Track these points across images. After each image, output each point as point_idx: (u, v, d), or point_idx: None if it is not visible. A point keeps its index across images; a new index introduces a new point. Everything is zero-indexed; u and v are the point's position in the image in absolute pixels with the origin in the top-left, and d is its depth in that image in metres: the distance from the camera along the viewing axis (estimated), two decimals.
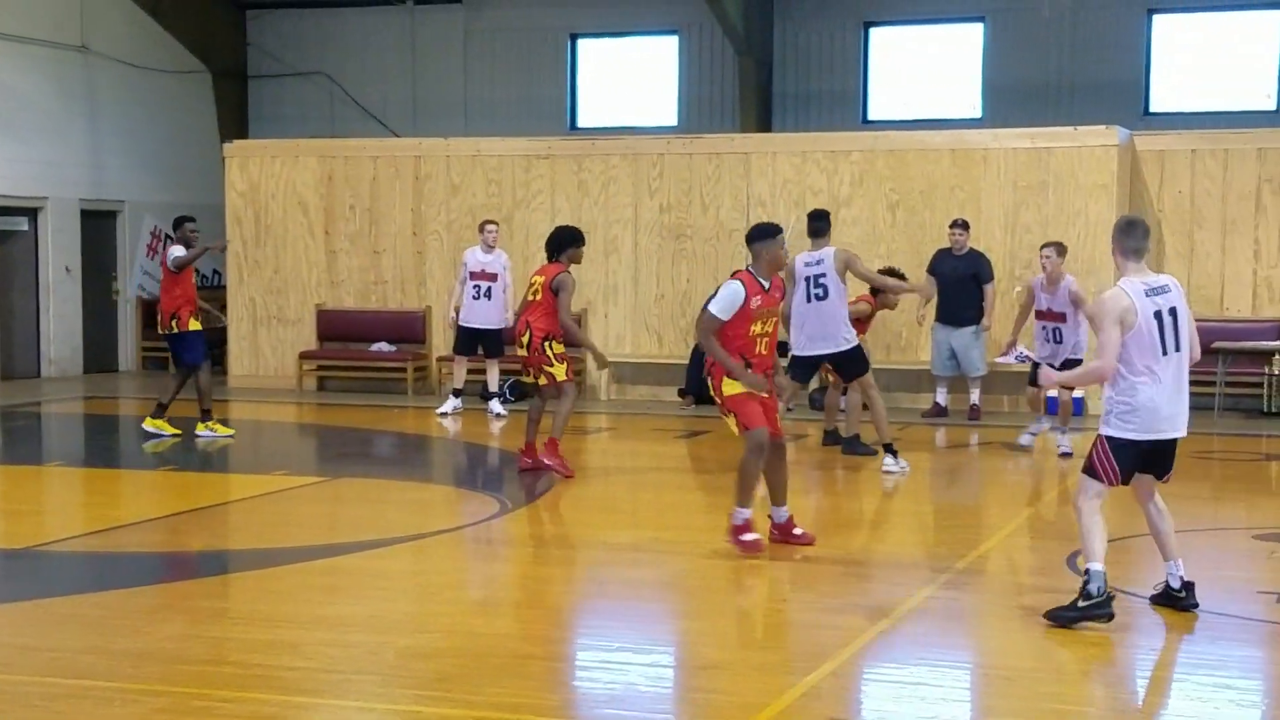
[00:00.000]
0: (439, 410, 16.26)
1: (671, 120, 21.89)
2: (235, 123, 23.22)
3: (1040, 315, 13.25)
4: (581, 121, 22.50)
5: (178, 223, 14.54)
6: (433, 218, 18.87)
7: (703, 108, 21.77)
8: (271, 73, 23.54)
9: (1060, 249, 13.41)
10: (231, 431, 14.61)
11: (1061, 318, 13.07)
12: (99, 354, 21.47)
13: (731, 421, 9.10)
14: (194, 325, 14.18)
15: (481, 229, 16.68)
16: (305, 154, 19.44)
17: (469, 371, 16.66)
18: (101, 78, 21.39)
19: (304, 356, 19.01)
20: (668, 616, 8.10)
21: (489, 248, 16.53)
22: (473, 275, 16.37)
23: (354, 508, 11.08)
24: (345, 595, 8.24)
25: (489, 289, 16.38)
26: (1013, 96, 20.44)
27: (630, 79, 22.47)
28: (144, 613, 7.81)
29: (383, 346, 19.00)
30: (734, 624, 7.56)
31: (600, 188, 18.25)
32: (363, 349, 19.01)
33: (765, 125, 21.24)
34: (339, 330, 19.15)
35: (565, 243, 11.99)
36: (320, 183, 19.19)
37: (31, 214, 20.42)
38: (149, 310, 21.92)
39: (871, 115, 21.38)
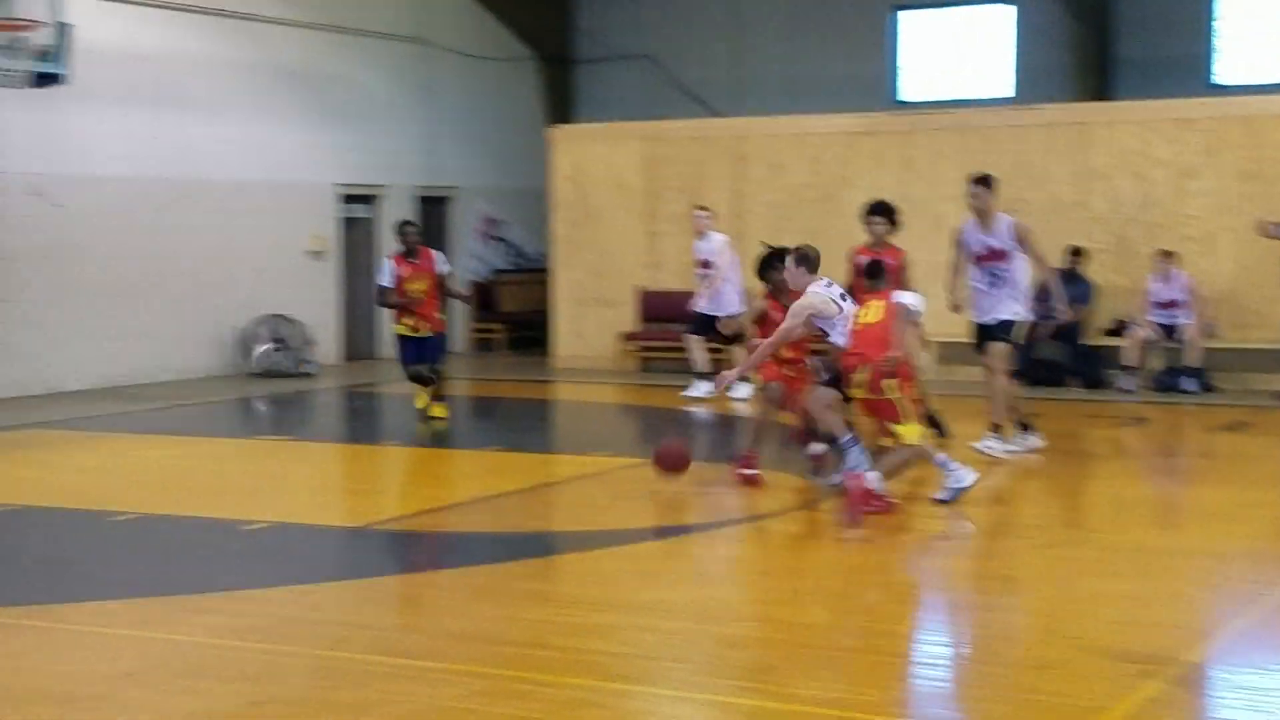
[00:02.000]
0: (688, 393, 16.05)
1: (1006, 92, 21.13)
2: (561, 107, 23.61)
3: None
4: (905, 96, 21.96)
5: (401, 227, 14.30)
6: (754, 198, 18.73)
7: (1038, 77, 20.91)
8: (597, 57, 23.83)
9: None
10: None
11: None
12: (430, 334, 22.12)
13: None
14: (399, 329, 14.12)
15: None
16: (628, 137, 19.58)
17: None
18: (436, 67, 22.05)
19: (626, 338, 19.17)
20: (998, 609, 7.72)
21: (700, 234, 16.37)
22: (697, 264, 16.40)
23: (676, 490, 11.03)
24: (664, 581, 8.16)
25: (707, 276, 16.31)
26: None
27: (958, 50, 21.80)
28: (468, 593, 7.90)
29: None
30: (1071, 620, 7.13)
31: (927, 163, 17.76)
32: (684, 330, 19.00)
33: (1103, 93, 20.27)
34: (660, 311, 19.23)
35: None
36: (643, 165, 19.30)
37: (371, 201, 21.23)
38: (479, 292, 22.55)
39: (1221, 80, 20.13)
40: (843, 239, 18.00)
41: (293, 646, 6.86)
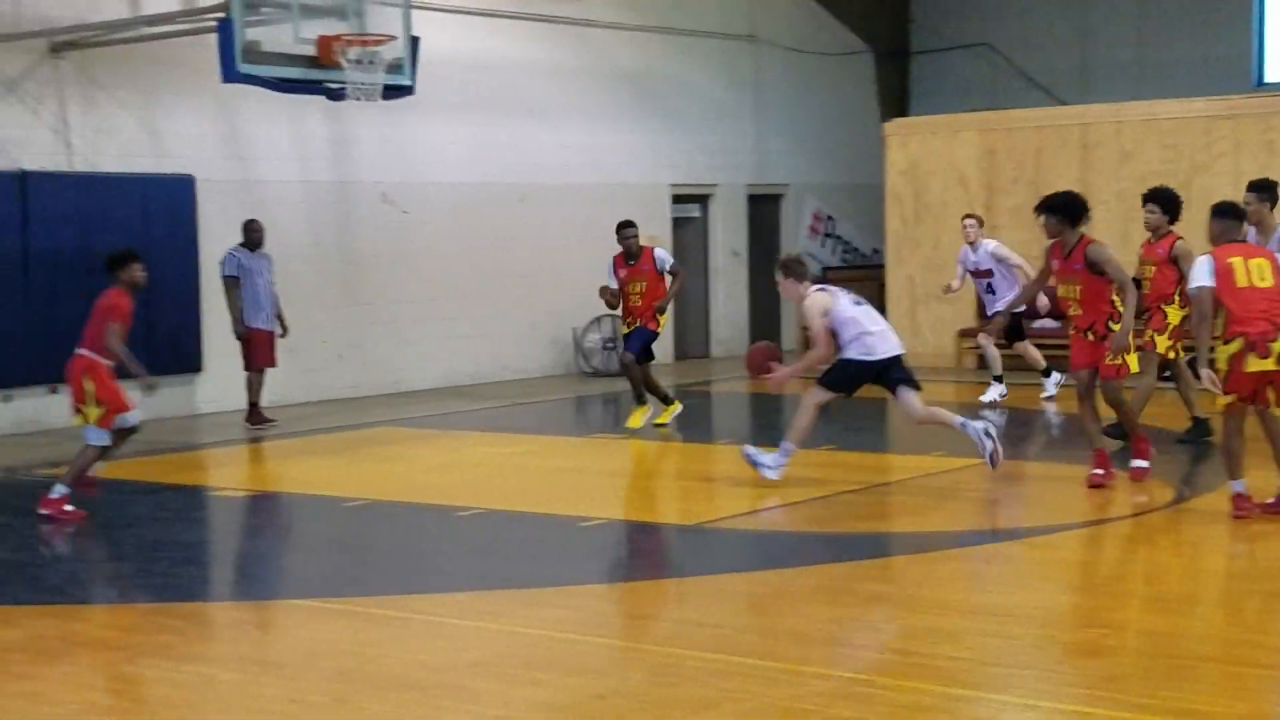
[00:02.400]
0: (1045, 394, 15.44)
1: None
2: (896, 101, 23.30)
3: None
4: (1270, 77, 20.75)
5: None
6: (1101, 187, 18.03)
7: None
8: (934, 48, 23.40)
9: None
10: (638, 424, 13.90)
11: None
12: (764, 335, 22.16)
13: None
14: (623, 329, 14.41)
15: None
16: (965, 128, 19.15)
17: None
18: (768, 65, 22.06)
19: (963, 334, 18.74)
20: None
21: (970, 244, 15.59)
22: (972, 274, 15.57)
23: (1014, 492, 10.69)
24: (1007, 584, 7.91)
25: (989, 284, 15.53)
26: None
27: None
28: (805, 593, 7.82)
29: (1046, 323, 18.36)
30: None
31: None
32: (1026, 325, 18.45)
33: None
34: None
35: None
36: (981, 157, 18.84)
37: (702, 201, 21.40)
38: None
39: None
40: (1198, 229, 17.15)
41: (632, 642, 6.93)
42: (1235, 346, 8.71)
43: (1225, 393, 8.74)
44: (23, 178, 14.47)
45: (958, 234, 18.90)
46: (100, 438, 10.04)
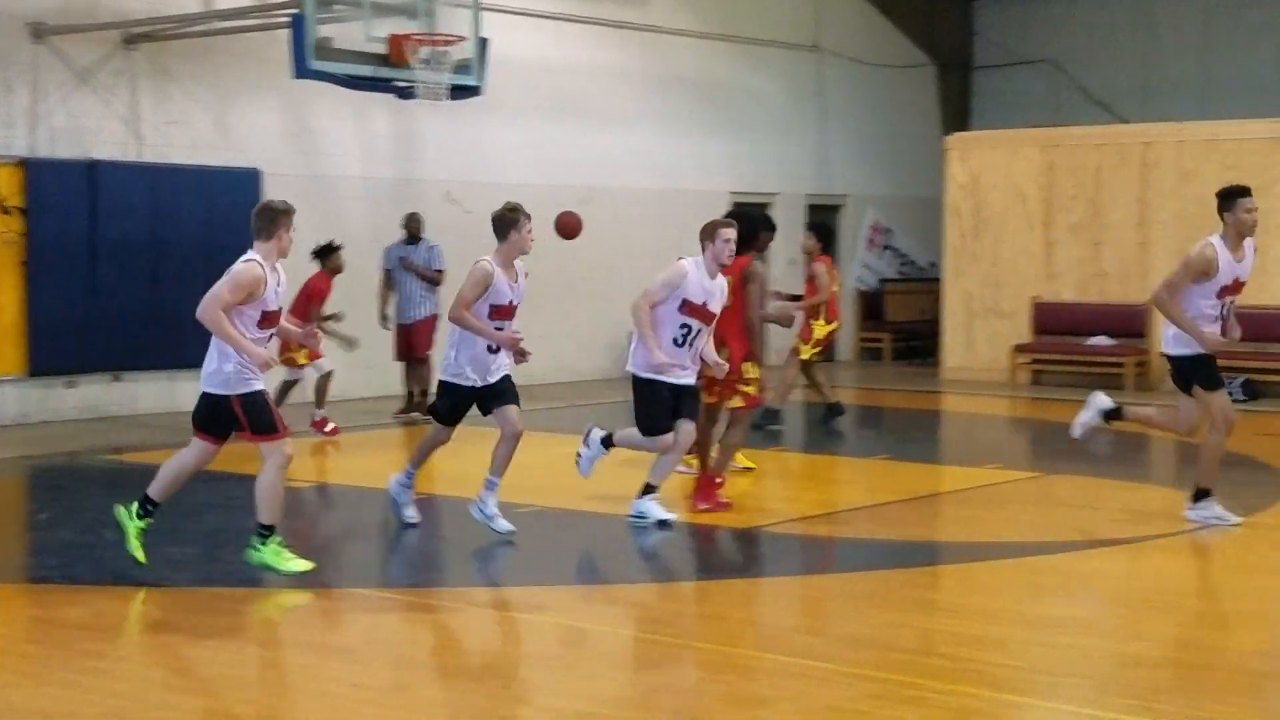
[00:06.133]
0: None
1: None
2: (957, 115, 23.33)
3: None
4: None
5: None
6: (1160, 207, 18.02)
7: None
8: (996, 62, 23.41)
9: None
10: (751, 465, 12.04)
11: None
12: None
13: None
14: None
15: None
16: (1026, 144, 19.17)
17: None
18: (831, 75, 22.14)
19: (1018, 349, 18.76)
20: None
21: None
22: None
23: (1067, 505, 10.74)
24: (1056, 595, 7.98)
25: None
26: None
27: None
28: (858, 598, 7.92)
29: (1101, 340, 18.38)
30: None
31: None
32: (1079, 343, 18.49)
33: None
34: (1055, 323, 18.74)
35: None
36: (1041, 173, 18.85)
37: (763, 209, 21.45)
38: (867, 301, 22.50)
39: None
40: (1259, 250, 17.11)
41: (688, 639, 7.05)
42: None
43: None
44: (92, 167, 14.74)
45: (1016, 249, 18.96)
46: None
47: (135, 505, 8.06)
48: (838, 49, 22.12)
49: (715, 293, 9.48)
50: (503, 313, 9.05)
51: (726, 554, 9.35)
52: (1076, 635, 7.07)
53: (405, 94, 14.54)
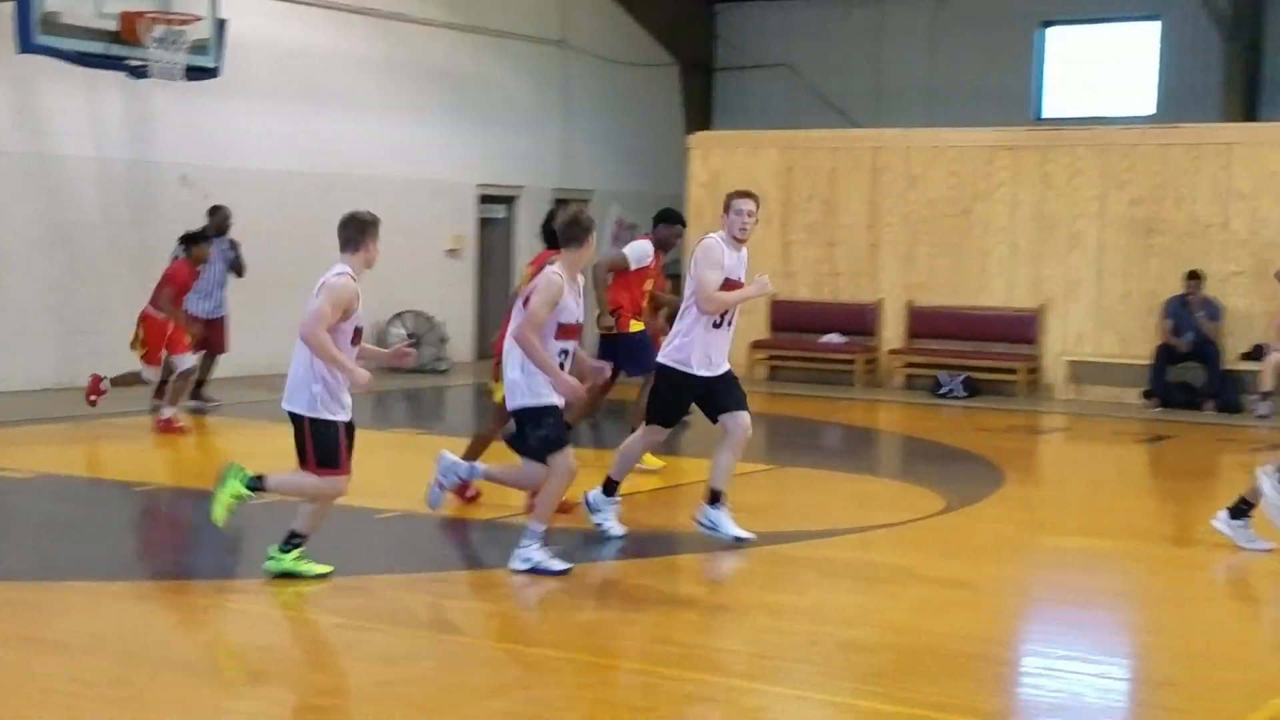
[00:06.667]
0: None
1: (1148, 109, 20.84)
2: (699, 114, 23.75)
3: None
4: (1047, 112, 21.77)
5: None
6: (889, 209, 18.69)
7: (1182, 95, 20.59)
8: (737, 64, 23.92)
9: None
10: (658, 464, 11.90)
11: None
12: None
13: None
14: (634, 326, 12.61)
15: None
16: (765, 145, 19.65)
17: None
18: (577, 71, 22.31)
19: (755, 346, 19.23)
20: (1119, 626, 7.69)
21: None
22: None
23: (799, 496, 11.09)
24: (786, 584, 8.23)
25: None
26: None
27: (1103, 66, 21.56)
28: (594, 588, 8.04)
29: (834, 338, 18.99)
30: (1195, 639, 7.08)
31: (1065, 180, 17.60)
32: (814, 340, 19.06)
33: (1251, 114, 19.91)
34: (791, 320, 19.26)
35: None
36: (779, 173, 19.35)
37: (508, 202, 21.53)
38: None
39: None
40: (978, 253, 17.99)
41: (422, 630, 7.05)
42: None
43: None
44: None
45: (755, 248, 19.36)
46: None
47: (249, 475, 7.75)
48: (584, 45, 22.30)
49: (738, 266, 8.97)
50: (569, 332, 8.04)
51: (463, 544, 9.37)
52: (804, 622, 7.32)
53: (138, 73, 14.13)
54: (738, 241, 8.99)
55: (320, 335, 7.30)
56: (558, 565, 7.89)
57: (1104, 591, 8.27)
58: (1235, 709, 6.03)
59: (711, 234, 9.03)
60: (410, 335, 19.08)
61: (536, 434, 7.87)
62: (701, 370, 8.77)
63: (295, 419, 7.54)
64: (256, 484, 7.72)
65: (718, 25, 24.32)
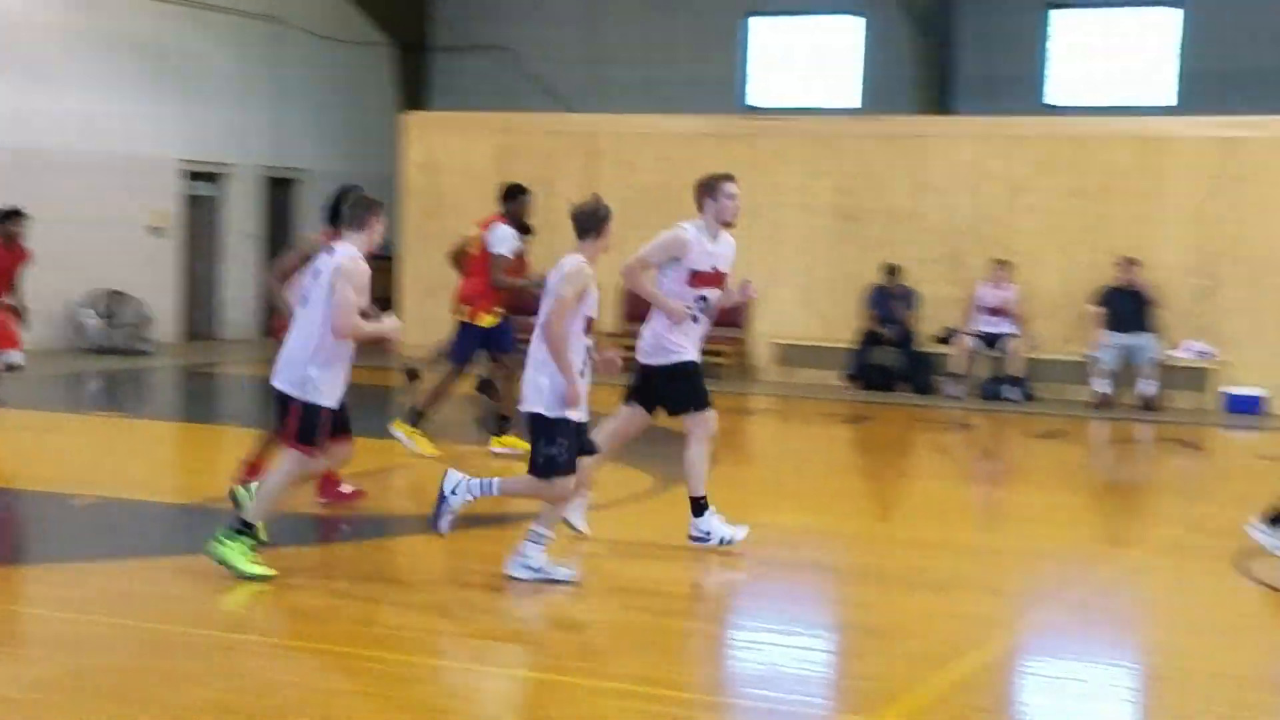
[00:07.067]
0: None
1: (852, 102, 21.59)
2: (415, 95, 23.57)
3: None
4: (756, 102, 22.34)
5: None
6: (605, 194, 18.78)
7: (881, 89, 21.41)
8: (452, 45, 23.81)
9: None
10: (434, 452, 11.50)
11: None
12: (275, 317, 22.01)
13: None
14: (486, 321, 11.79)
15: None
16: (481, 128, 19.64)
17: None
18: (287, 47, 21.87)
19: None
20: (820, 601, 8.00)
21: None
22: None
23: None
24: (496, 563, 8.26)
25: None
26: (1209, 84, 19.56)
27: (807, 59, 22.24)
28: (298, 571, 7.90)
29: None
30: (886, 610, 7.43)
31: (771, 168, 18.12)
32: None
33: (944, 108, 20.85)
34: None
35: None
36: (495, 156, 19.36)
37: (216, 179, 20.99)
38: None
39: (1053, 100, 20.83)
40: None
41: (119, 618, 6.85)
42: None
43: None
44: None
45: (474, 230, 19.35)
46: None
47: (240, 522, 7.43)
48: (294, 20, 21.87)
49: (722, 254, 8.49)
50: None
51: (164, 530, 9.14)
52: (514, 601, 7.39)
53: None
54: (726, 227, 8.53)
55: (355, 323, 7.35)
56: (562, 573, 7.54)
57: (807, 567, 8.57)
58: (922, 673, 6.36)
59: (684, 223, 8.48)
60: (108, 316, 18.43)
61: (545, 451, 7.42)
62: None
63: (280, 396, 7.49)
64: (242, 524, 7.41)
65: (433, 5, 24.17)
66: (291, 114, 22.00)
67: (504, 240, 11.46)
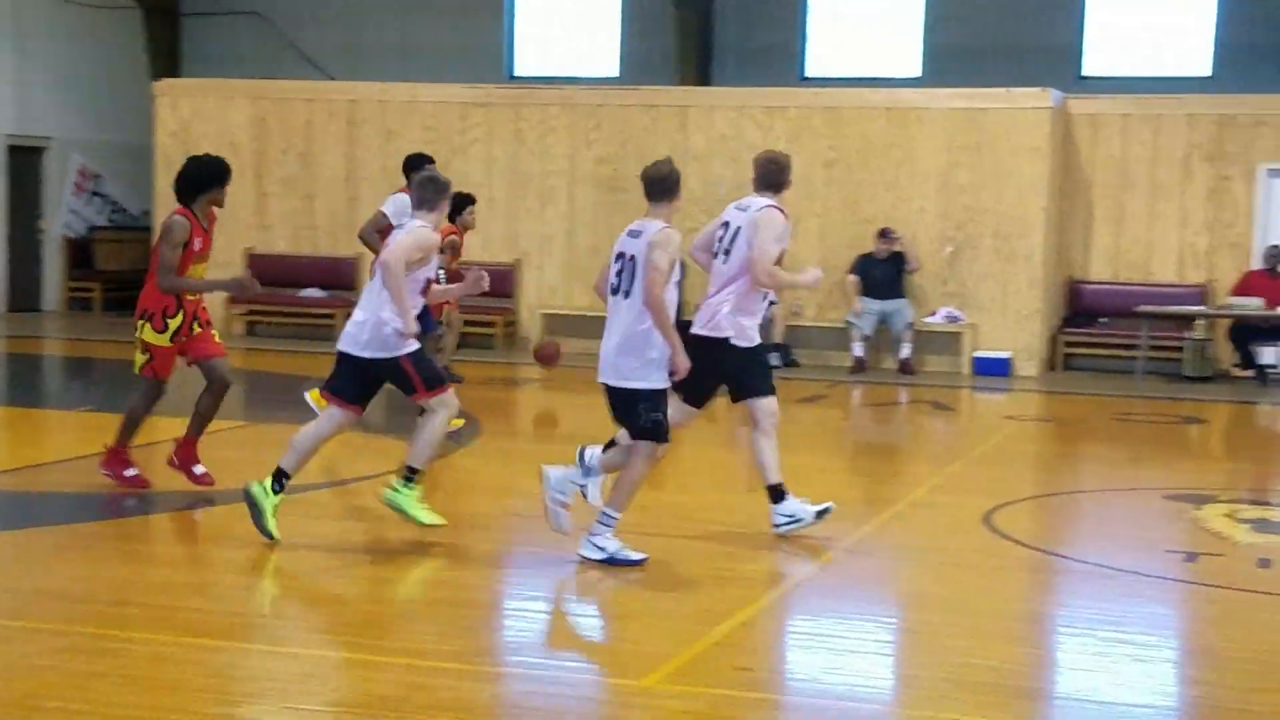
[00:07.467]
0: None
1: (612, 71, 21.70)
2: (167, 61, 22.84)
3: None
4: (520, 70, 22.29)
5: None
6: (367, 163, 18.69)
7: (643, 60, 21.58)
8: (204, 10, 23.14)
9: None
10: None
11: None
12: (23, 293, 21.19)
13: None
14: None
15: None
16: (237, 95, 19.20)
17: None
18: (27, 9, 21.01)
19: (231, 300, 18.82)
20: (585, 567, 8.09)
21: None
22: None
23: (277, 453, 10.96)
24: (253, 540, 8.13)
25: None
26: (952, 57, 20.27)
27: (571, 28, 22.27)
28: (51, 551, 7.71)
29: (313, 292, 18.84)
30: (645, 576, 7.55)
31: (537, 138, 18.15)
32: (293, 294, 18.84)
33: (704, 79, 21.12)
34: (269, 274, 18.88)
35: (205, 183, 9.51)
36: (252, 124, 18.96)
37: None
38: (74, 249, 21.68)
39: (810, 72, 21.28)
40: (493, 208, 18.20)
41: None
42: None
43: None
44: None
45: (231, 200, 18.80)
46: None
47: (269, 481, 7.63)
48: None
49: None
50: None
51: None
52: (280, 577, 7.30)
53: None
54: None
55: (401, 274, 7.42)
56: (635, 555, 7.51)
57: (574, 533, 8.65)
58: (686, 636, 6.49)
59: (773, 204, 8.47)
60: None
61: (652, 415, 7.55)
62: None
63: (374, 364, 7.61)
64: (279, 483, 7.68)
65: None
66: (35, 80, 21.13)
67: (398, 207, 11.23)
